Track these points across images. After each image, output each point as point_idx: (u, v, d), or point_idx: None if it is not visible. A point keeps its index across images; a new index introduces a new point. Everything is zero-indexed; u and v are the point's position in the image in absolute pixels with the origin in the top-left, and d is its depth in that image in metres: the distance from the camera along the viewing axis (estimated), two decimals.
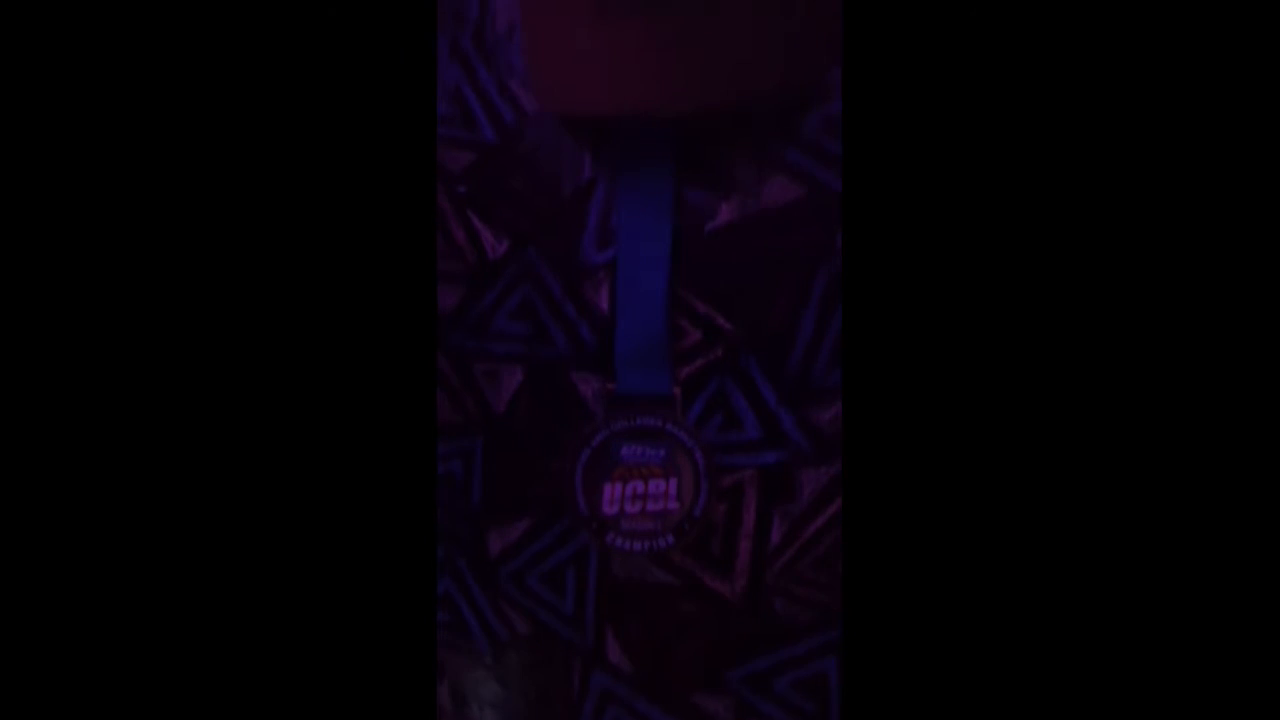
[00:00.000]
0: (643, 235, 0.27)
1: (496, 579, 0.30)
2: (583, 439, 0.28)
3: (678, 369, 0.28)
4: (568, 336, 0.29)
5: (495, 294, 0.30)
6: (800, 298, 0.27)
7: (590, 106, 0.26)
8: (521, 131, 0.30)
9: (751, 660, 0.28)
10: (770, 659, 0.28)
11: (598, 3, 0.24)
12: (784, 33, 0.25)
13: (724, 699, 0.29)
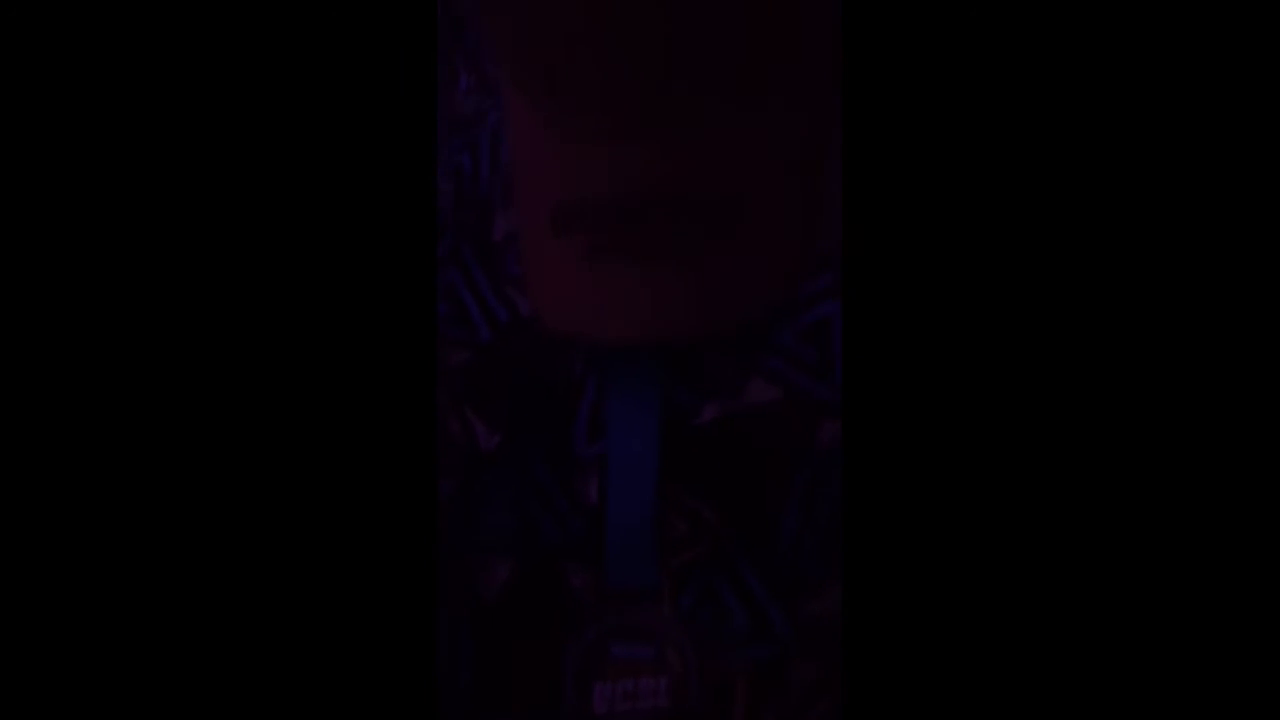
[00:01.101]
0: (631, 431, 0.29)
1: None
2: (573, 634, 0.28)
3: (666, 561, 0.29)
4: (558, 528, 0.30)
5: (487, 484, 0.31)
6: (784, 491, 0.28)
7: (580, 330, 0.28)
8: (515, 331, 0.32)
9: None
10: None
11: (590, 245, 0.27)
12: (764, 265, 0.28)
13: None
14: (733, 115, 0.26)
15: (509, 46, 0.26)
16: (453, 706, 0.30)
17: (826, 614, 0.27)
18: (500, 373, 0.31)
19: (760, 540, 0.29)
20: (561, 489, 0.30)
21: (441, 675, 0.30)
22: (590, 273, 0.27)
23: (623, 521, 0.29)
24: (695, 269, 0.27)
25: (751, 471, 0.29)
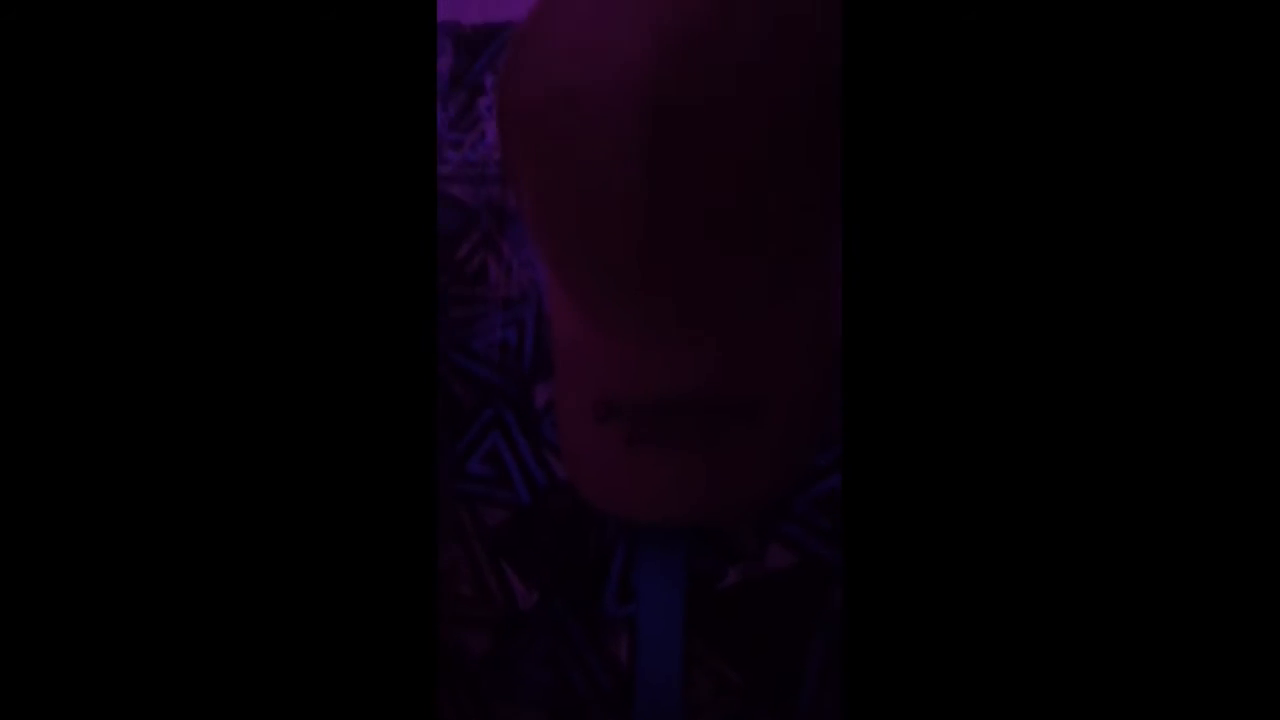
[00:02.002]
0: (659, 596, 0.31)
1: None
2: None
3: (692, 718, 0.30)
4: (589, 684, 0.31)
5: (523, 641, 0.32)
6: (802, 651, 0.30)
7: (615, 510, 0.31)
8: (552, 495, 0.34)
9: None
10: None
11: (628, 434, 0.30)
12: (786, 450, 0.31)
13: None
14: (761, 315, 0.29)
15: (550, 247, 0.30)
16: None
17: None
18: (537, 534, 0.34)
19: (781, 699, 0.30)
20: (593, 647, 0.32)
21: None
22: (626, 459, 0.30)
23: (651, 680, 0.31)
24: (723, 458, 0.29)
25: (772, 633, 0.31)
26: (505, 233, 0.40)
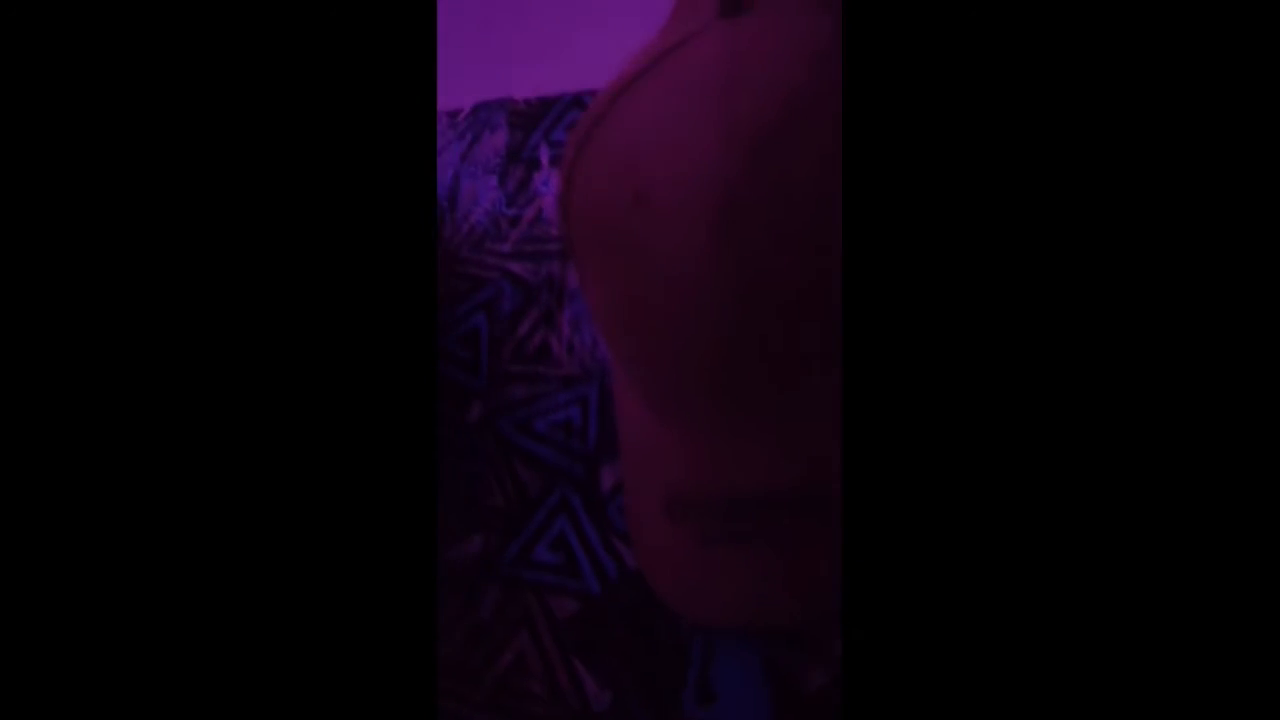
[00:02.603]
0: (740, 700, 0.29)
1: None
2: None
3: None
4: None
5: None
6: None
7: (692, 611, 0.29)
8: (624, 586, 0.33)
9: None
10: None
11: (702, 534, 0.29)
12: None
13: None
14: (832, 409, 0.28)
15: (619, 343, 0.29)
16: None
17: None
18: (609, 627, 0.33)
19: None
20: None
21: None
22: (701, 560, 0.29)
23: None
24: (799, 558, 0.28)
25: None
26: (565, 309, 0.40)
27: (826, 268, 0.26)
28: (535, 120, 0.45)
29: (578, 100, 0.45)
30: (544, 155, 0.44)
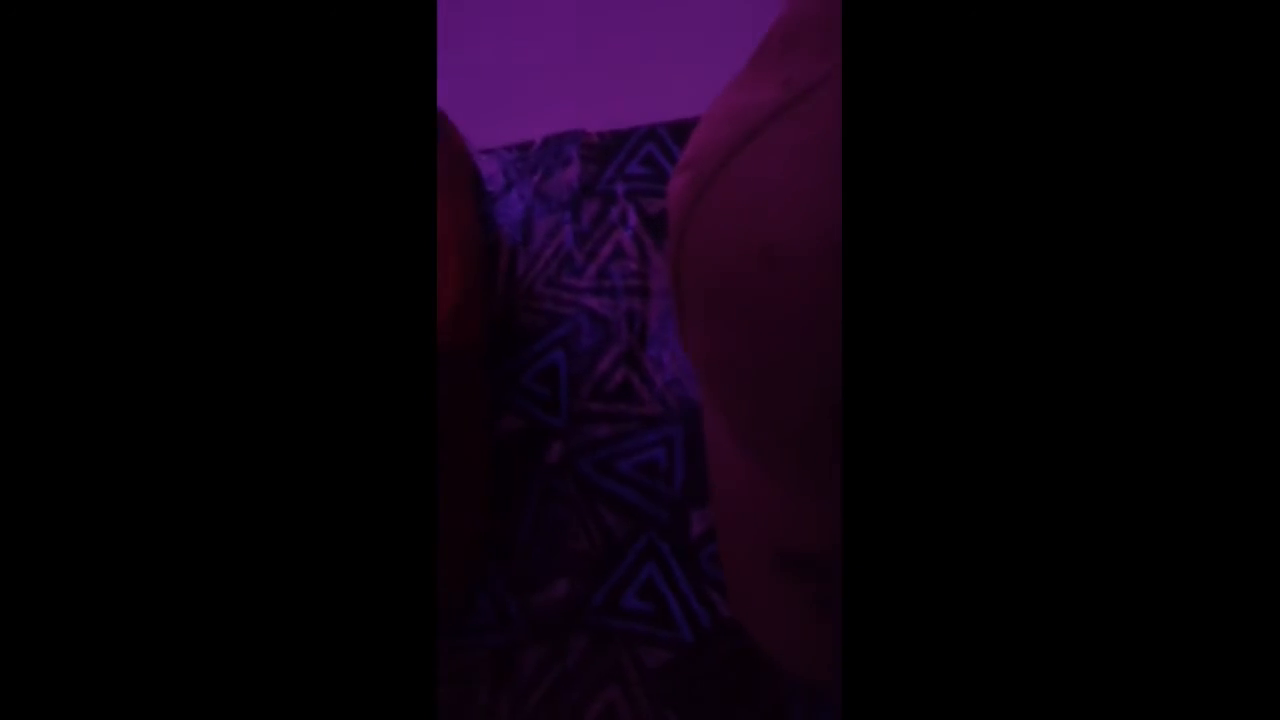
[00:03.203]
0: None
1: None
2: None
3: None
4: None
5: None
6: None
7: (796, 666, 0.28)
8: (718, 636, 0.32)
9: None
10: None
11: (816, 595, 0.28)
12: None
13: None
14: None
15: (730, 399, 0.29)
16: None
17: None
18: (703, 678, 0.32)
19: None
20: None
21: None
22: (816, 618, 0.28)
23: None
24: None
25: None
26: (648, 348, 0.39)
27: None
28: (609, 154, 0.45)
29: (652, 133, 0.45)
30: (620, 190, 0.43)
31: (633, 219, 0.43)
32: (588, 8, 0.63)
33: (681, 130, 0.46)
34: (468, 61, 0.58)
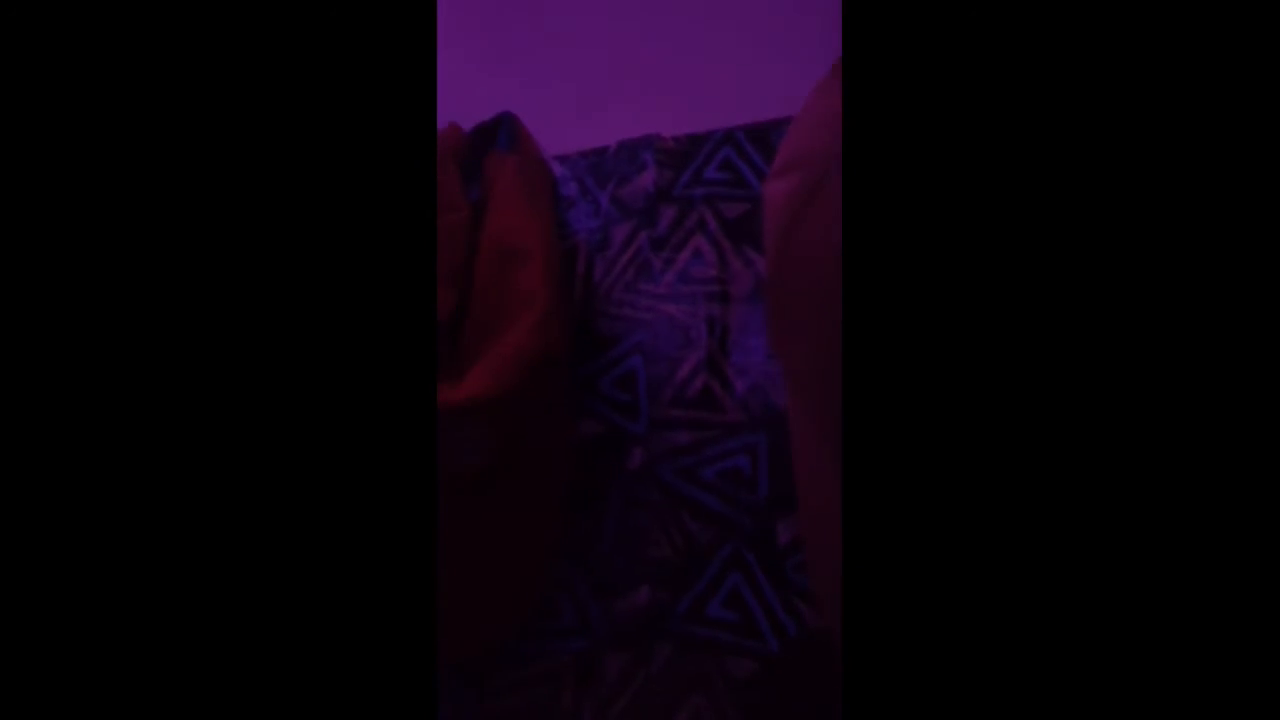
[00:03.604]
0: None
1: None
2: None
3: None
4: None
5: None
6: None
7: None
8: (805, 646, 0.32)
9: None
10: None
11: None
12: None
13: None
14: None
15: (815, 394, 0.28)
16: None
17: None
18: (790, 689, 0.31)
19: None
20: None
21: None
22: None
23: None
24: None
25: None
26: (729, 354, 0.39)
27: None
28: (685, 158, 0.45)
29: (729, 137, 0.44)
30: (697, 194, 0.43)
31: (711, 223, 0.42)
32: (657, 11, 0.63)
33: (759, 134, 0.45)
34: (541, 68, 0.59)
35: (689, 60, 0.54)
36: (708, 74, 0.51)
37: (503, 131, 0.50)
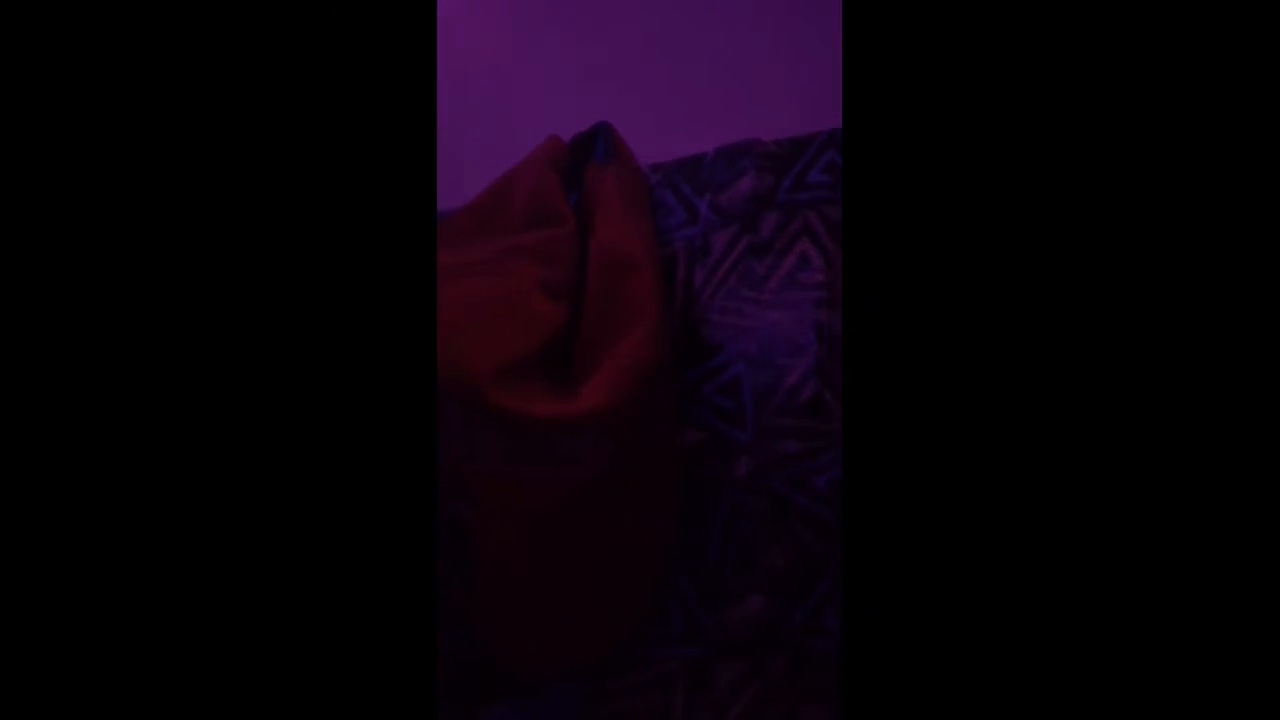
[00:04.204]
0: None
1: None
2: None
3: None
4: None
5: None
6: None
7: None
8: None
9: None
10: None
11: None
12: None
13: None
14: None
15: None
16: None
17: None
18: None
19: None
20: None
21: None
22: None
23: None
24: None
25: None
26: (837, 359, 0.39)
27: None
28: (787, 162, 0.44)
29: (833, 138, 0.44)
30: (801, 199, 0.43)
31: (818, 227, 0.42)
32: (743, 13, 0.62)
33: None
34: (634, 78, 0.59)
35: (788, 62, 0.53)
36: (810, 73, 0.51)
37: (600, 141, 0.50)
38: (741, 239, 0.44)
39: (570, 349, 0.37)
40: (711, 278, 0.44)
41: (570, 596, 0.36)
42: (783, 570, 0.36)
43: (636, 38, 0.61)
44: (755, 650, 0.35)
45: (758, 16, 0.58)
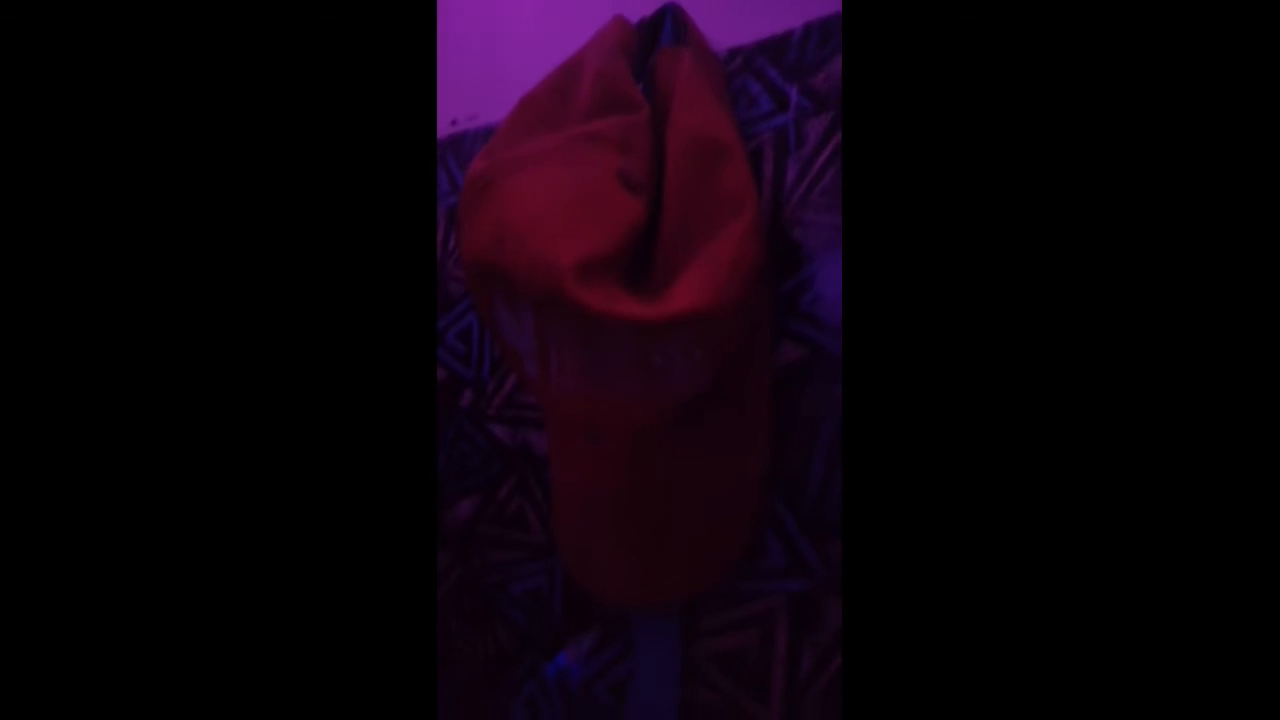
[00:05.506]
0: None
1: None
2: None
3: None
4: None
5: None
6: None
7: None
8: None
9: None
10: None
11: None
12: None
13: None
14: None
15: None
16: None
17: None
18: None
19: None
20: None
21: None
22: None
23: None
24: None
25: None
26: None
27: None
28: None
29: None
30: None
31: None
32: None
33: None
34: None
35: None
36: None
37: (668, 24, 0.45)
38: (839, 126, 0.39)
39: (650, 248, 0.32)
40: (806, 173, 0.39)
41: (660, 528, 0.32)
42: None
43: None
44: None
45: None
